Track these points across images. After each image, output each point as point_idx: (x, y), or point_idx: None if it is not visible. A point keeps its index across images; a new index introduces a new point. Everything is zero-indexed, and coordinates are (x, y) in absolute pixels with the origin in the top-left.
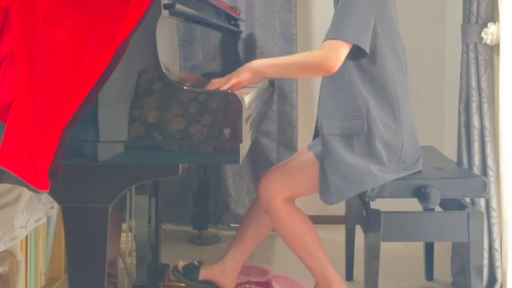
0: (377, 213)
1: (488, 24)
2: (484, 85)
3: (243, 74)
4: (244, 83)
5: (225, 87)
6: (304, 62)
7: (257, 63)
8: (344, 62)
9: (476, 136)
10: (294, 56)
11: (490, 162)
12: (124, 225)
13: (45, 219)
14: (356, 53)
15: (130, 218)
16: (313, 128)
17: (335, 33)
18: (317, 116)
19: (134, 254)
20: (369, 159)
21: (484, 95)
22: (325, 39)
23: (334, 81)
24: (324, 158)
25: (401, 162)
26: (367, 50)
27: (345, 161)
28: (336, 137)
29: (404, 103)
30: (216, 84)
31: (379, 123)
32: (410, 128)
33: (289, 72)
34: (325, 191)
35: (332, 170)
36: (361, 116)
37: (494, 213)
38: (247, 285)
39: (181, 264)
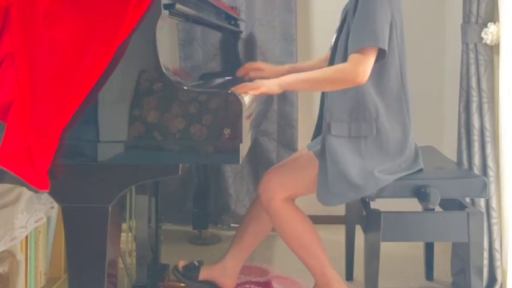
0: (377, 213)
1: (488, 24)
2: (484, 85)
3: (273, 89)
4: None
5: (252, 94)
6: (334, 78)
7: (288, 78)
8: None
9: (476, 136)
10: (324, 71)
11: (490, 162)
12: (124, 225)
13: (45, 219)
14: (377, 55)
15: (130, 218)
16: (313, 128)
17: (362, 41)
18: (318, 116)
19: (134, 254)
20: (375, 162)
21: (484, 95)
22: (352, 49)
23: None
24: (327, 160)
25: (403, 162)
26: (387, 49)
27: (349, 164)
28: (343, 139)
29: (410, 104)
30: (245, 88)
31: (388, 126)
32: (411, 128)
33: (319, 88)
34: (324, 193)
35: (334, 172)
36: (370, 118)
37: (494, 213)
38: (247, 285)
39: (181, 264)
